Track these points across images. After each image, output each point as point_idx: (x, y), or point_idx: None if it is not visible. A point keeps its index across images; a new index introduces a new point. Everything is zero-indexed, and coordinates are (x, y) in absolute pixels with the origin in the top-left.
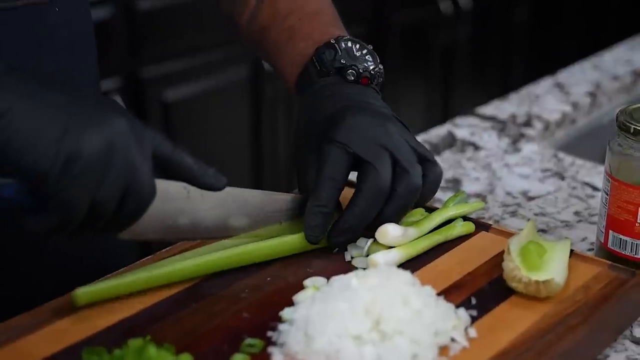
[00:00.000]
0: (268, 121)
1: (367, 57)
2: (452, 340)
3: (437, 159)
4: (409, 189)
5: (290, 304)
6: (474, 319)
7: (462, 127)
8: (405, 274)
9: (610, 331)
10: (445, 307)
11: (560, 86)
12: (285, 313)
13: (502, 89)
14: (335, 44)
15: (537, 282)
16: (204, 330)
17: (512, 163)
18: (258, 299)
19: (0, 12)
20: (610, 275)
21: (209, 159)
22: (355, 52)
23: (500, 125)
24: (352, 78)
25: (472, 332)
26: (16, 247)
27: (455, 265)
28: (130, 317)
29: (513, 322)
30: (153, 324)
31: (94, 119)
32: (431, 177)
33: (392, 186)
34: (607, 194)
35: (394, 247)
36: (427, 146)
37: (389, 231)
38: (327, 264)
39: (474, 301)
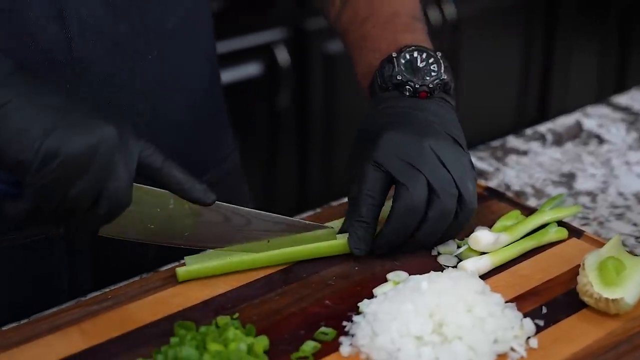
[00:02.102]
0: None
1: (432, 67)
2: (512, 349)
3: (557, 150)
4: (441, 214)
5: (371, 295)
6: (539, 329)
7: (592, 117)
8: (477, 282)
9: None
10: (511, 316)
11: None
12: (363, 305)
13: None
14: (395, 58)
15: (607, 299)
16: (287, 314)
17: (634, 161)
18: (342, 288)
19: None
20: None
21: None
22: (418, 64)
23: (632, 118)
24: (408, 94)
25: (534, 343)
26: None
27: (537, 271)
28: (225, 293)
29: (577, 336)
30: (243, 302)
31: (82, 123)
32: (460, 216)
33: (426, 208)
34: None
35: (486, 252)
36: (549, 136)
37: (481, 238)
38: (413, 257)
39: (544, 310)
